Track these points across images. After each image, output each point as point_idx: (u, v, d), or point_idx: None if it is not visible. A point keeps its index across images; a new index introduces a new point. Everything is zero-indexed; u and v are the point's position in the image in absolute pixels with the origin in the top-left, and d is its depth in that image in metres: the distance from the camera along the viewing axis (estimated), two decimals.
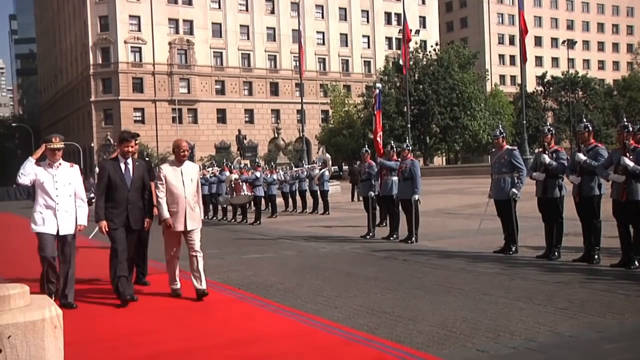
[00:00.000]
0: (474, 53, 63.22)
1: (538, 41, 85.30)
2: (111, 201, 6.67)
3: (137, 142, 7.30)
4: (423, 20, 78.03)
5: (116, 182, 6.68)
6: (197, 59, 66.47)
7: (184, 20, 66.25)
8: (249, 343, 5.06)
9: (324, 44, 73.03)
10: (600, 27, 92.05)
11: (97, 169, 8.83)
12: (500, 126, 10.64)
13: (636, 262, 7.84)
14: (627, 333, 5.05)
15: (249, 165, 22.98)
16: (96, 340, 5.34)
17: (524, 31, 29.06)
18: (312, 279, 7.75)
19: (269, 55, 70.57)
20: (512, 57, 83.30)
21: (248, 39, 69.37)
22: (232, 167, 20.63)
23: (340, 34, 74.14)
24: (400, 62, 34.37)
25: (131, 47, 64.06)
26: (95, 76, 64.42)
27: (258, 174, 18.11)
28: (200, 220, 7.10)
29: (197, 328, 5.59)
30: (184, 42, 66.19)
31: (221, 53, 68.21)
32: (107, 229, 6.63)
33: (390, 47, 75.66)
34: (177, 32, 66.17)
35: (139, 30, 64.34)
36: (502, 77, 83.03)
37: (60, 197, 6.54)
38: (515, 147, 10.18)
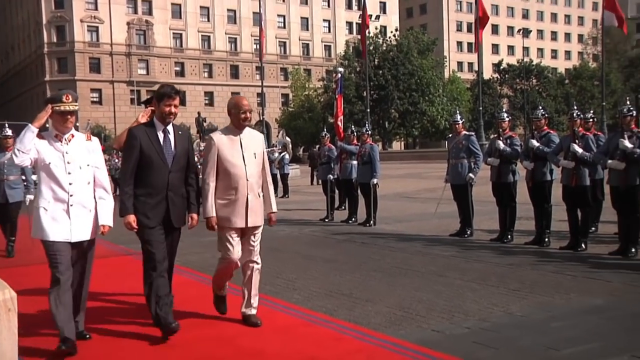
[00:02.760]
0: (433, 39, 63.67)
1: (495, 29, 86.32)
2: (144, 186, 4.69)
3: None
4: (383, 6, 78.15)
5: (152, 158, 4.66)
6: (156, 40, 65.23)
7: (142, 0, 64.84)
8: (208, 325, 5.07)
9: (284, 27, 72.52)
10: (554, 17, 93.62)
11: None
12: (459, 112, 10.79)
13: (583, 245, 8.09)
14: (573, 311, 5.24)
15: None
16: None
17: (482, 19, 29.36)
18: (271, 261, 7.77)
19: (229, 37, 69.73)
20: (470, 45, 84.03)
21: (208, 20, 68.38)
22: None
23: (301, 17, 73.71)
24: (360, 47, 34.44)
25: (87, 26, 62.42)
26: (50, 55, 62.65)
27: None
28: (262, 214, 5.07)
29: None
30: (142, 22, 64.84)
31: (181, 34, 67.12)
32: (136, 227, 4.67)
33: (350, 32, 75.56)
34: (135, 12, 64.73)
35: (96, 9, 62.71)
36: (460, 64, 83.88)
37: (76, 185, 4.44)
38: (473, 133, 10.35)
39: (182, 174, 4.85)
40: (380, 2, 77.58)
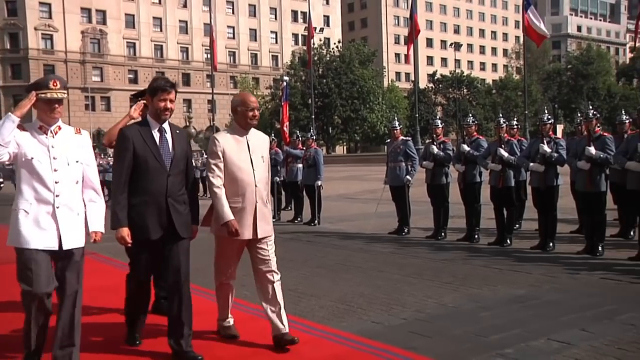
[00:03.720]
0: (373, 51, 64.31)
1: (429, 43, 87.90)
2: (140, 194, 3.87)
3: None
4: (327, 19, 78.51)
5: (148, 161, 3.88)
6: (110, 48, 63.71)
7: (96, 10, 63.17)
8: (155, 322, 4.97)
9: (234, 38, 71.94)
10: (482, 33, 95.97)
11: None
12: (397, 119, 10.94)
13: (508, 241, 8.33)
14: (499, 301, 5.38)
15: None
16: None
17: (415, 32, 29.79)
18: (195, 256, 7.70)
19: (181, 47, 68.74)
20: (407, 57, 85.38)
21: (161, 30, 67.24)
22: None
23: (250, 29, 73.29)
24: (306, 57, 34.49)
25: (42, 34, 60.41)
26: (4, 61, 60.28)
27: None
28: (271, 223, 4.39)
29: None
30: (96, 31, 63.20)
31: (134, 43, 65.76)
32: (130, 242, 3.86)
33: (296, 43, 75.53)
34: (89, 21, 63.03)
35: (50, 17, 60.75)
36: (398, 74, 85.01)
37: (62, 184, 3.58)
38: (410, 138, 10.52)
39: (181, 177, 4.02)
40: (325, 16, 77.90)
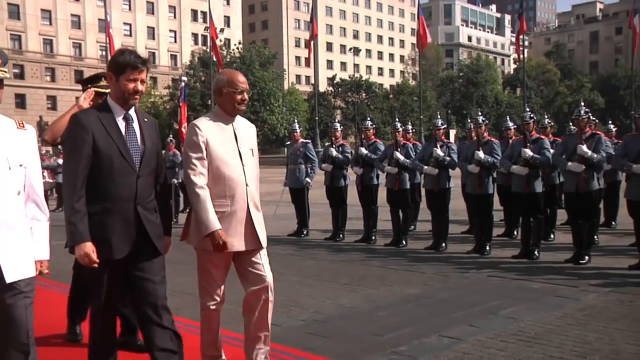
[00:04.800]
0: (274, 53, 64.41)
1: (329, 47, 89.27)
2: (101, 200, 3.07)
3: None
4: (227, 20, 77.66)
5: (112, 157, 3.07)
6: None
7: None
8: (53, 327, 4.70)
9: (131, 35, 69.46)
10: (380, 39, 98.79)
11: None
12: (297, 121, 11.00)
13: (404, 242, 8.61)
14: (394, 301, 5.55)
15: (51, 152, 21.22)
16: None
17: (314, 36, 30.20)
18: None
19: (73, 42, 65.44)
20: (307, 59, 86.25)
21: (50, 24, 63.67)
22: None
23: (148, 27, 71.08)
24: (213, 57, 33.91)
25: None
26: None
27: (60, 160, 16.79)
28: (264, 230, 3.75)
29: None
30: None
31: (19, 36, 61.80)
32: (97, 260, 3.02)
33: (196, 43, 74.14)
34: None
35: None
36: (298, 77, 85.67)
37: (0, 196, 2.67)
38: (309, 141, 10.62)
39: (152, 179, 3.24)
40: (225, 16, 77.02)
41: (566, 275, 6.57)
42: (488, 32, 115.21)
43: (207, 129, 3.42)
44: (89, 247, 2.99)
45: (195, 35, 75.23)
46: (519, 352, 4.09)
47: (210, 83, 44.94)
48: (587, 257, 7.19)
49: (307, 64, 30.99)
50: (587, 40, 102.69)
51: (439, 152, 8.10)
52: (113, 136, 3.09)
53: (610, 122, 12.12)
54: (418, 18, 25.15)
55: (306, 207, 9.83)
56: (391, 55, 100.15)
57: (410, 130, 9.85)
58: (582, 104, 7.75)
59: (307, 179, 9.73)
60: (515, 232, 9.13)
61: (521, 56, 27.60)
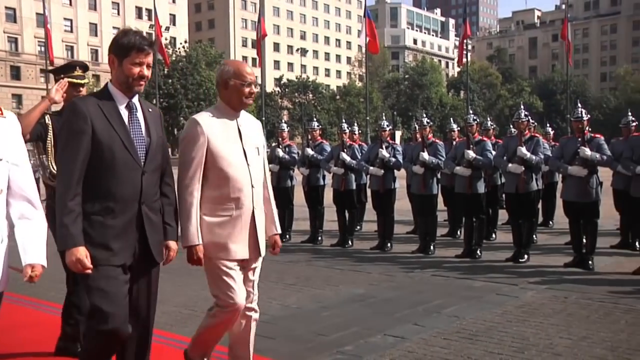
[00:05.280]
0: (220, 53, 63.88)
1: (276, 47, 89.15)
2: (101, 199, 2.76)
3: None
4: (173, 18, 76.49)
5: (114, 150, 2.76)
6: None
7: None
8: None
9: (72, 31, 67.46)
10: (327, 40, 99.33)
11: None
12: None
13: (350, 242, 8.68)
14: (340, 301, 5.59)
15: None
16: None
17: (262, 36, 30.12)
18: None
19: (8, 36, 63.00)
20: (254, 60, 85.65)
21: None
22: None
23: (90, 23, 69.17)
24: (159, 56, 33.24)
25: None
26: None
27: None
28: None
29: None
30: None
31: None
32: (90, 267, 2.68)
33: None
34: None
35: None
36: None
37: None
38: None
39: (157, 175, 2.94)
40: (171, 14, 75.81)
41: (506, 273, 6.77)
42: (433, 35, 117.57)
43: (210, 125, 3.15)
44: (82, 252, 2.65)
45: None
46: (462, 349, 4.19)
47: (155, 82, 44.12)
48: (526, 256, 7.43)
49: (259, 64, 30.79)
50: (527, 45, 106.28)
51: (384, 153, 8.20)
52: (115, 126, 2.75)
53: (548, 125, 12.55)
54: (365, 20, 25.39)
55: None
56: (338, 57, 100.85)
57: (357, 132, 9.94)
58: (522, 107, 8.01)
59: None
60: (458, 232, 9.35)
61: (465, 60, 28.26)
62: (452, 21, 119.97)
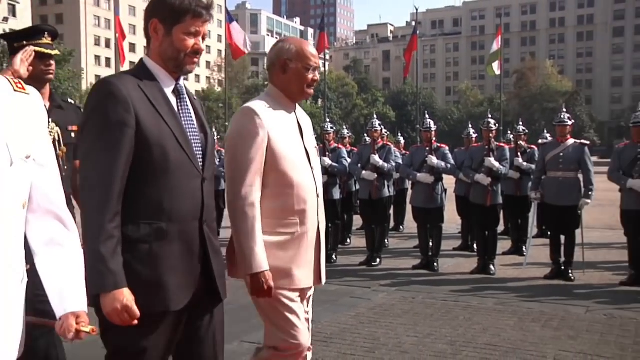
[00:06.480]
0: (70, 51, 60.20)
1: (132, 48, 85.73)
2: (151, 217, 1.95)
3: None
4: (13, 9, 70.84)
5: (167, 151, 1.96)
6: None
7: None
8: None
9: None
10: None
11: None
12: None
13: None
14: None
15: None
16: None
17: (120, 36, 28.89)
18: None
19: None
20: (108, 59, 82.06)
21: None
22: None
23: None
24: None
25: None
26: None
27: None
28: None
29: None
30: None
31: None
32: (136, 315, 1.85)
33: None
34: None
35: None
36: (99, 77, 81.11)
37: None
38: None
39: (213, 184, 2.21)
40: (10, 4, 70.17)
41: (360, 277, 7.05)
42: None
43: (269, 117, 2.47)
44: (128, 295, 1.85)
45: None
46: (317, 352, 4.29)
47: None
48: (378, 260, 7.79)
49: (122, 64, 29.43)
50: (381, 58, 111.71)
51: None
52: (166, 118, 1.99)
53: (399, 134, 13.28)
54: (225, 25, 25.26)
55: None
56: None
57: (216, 137, 9.83)
58: (376, 116, 8.41)
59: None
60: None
61: (322, 69, 29.10)
62: (310, 30, 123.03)
